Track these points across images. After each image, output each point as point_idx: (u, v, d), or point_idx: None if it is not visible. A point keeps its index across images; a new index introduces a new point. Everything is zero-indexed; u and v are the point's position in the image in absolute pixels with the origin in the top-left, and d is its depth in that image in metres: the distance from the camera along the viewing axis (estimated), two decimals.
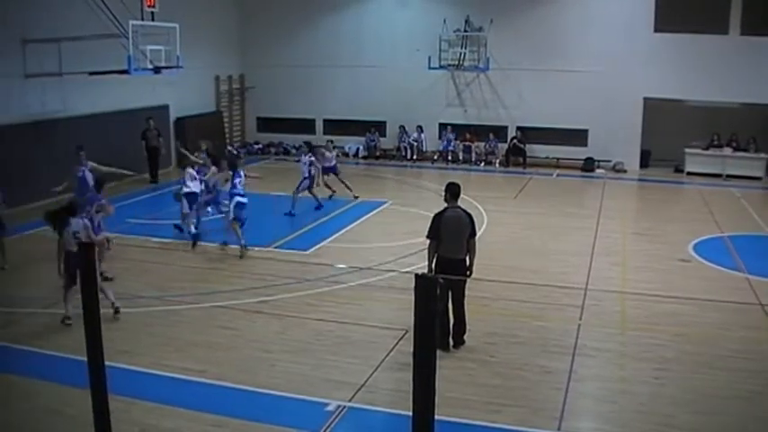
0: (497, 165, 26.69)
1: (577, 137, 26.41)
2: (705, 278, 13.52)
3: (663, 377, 9.13)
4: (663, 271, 13.88)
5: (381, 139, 28.31)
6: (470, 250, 9.72)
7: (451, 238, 9.61)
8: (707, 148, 25.43)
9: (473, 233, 9.70)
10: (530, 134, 26.63)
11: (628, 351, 10.03)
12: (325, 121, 29.24)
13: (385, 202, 19.48)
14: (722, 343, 10.26)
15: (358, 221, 17.48)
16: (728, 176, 24.51)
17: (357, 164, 27.00)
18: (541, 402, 8.50)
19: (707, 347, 10.11)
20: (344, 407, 8.25)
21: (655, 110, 25.53)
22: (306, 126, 29.20)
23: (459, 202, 9.91)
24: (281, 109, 29.20)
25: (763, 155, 24.83)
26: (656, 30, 25.25)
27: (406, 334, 10.05)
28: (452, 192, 9.82)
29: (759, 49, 24.19)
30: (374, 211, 18.42)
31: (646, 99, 25.41)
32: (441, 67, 26.61)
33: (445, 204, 9.88)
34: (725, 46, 24.51)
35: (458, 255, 9.63)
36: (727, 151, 25.13)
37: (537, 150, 26.72)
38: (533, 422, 7.99)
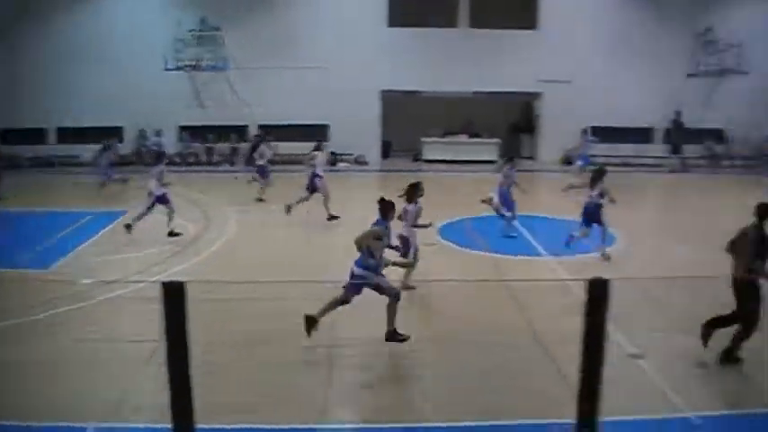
0: (241, 165, 26.53)
1: (319, 132, 26.94)
2: (454, 260, 14.27)
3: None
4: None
5: (119, 144, 26.90)
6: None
7: None
8: (443, 136, 27.06)
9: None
10: (272, 132, 26.75)
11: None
12: (59, 129, 27.30)
13: (125, 212, 18.31)
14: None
15: (101, 233, 16.55)
16: (465, 162, 26.14)
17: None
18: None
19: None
20: (103, 428, 7.79)
21: (393, 102, 26.77)
22: (36, 137, 27.10)
23: None
24: None
25: (495, 140, 26.89)
26: (390, 24, 26.43)
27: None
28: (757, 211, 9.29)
29: (486, 40, 26.15)
30: (115, 222, 17.41)
31: (383, 92, 26.54)
32: (178, 68, 25.95)
33: None
34: (455, 38, 26.22)
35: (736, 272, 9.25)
36: (463, 138, 26.89)
37: (281, 147, 26.90)
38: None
